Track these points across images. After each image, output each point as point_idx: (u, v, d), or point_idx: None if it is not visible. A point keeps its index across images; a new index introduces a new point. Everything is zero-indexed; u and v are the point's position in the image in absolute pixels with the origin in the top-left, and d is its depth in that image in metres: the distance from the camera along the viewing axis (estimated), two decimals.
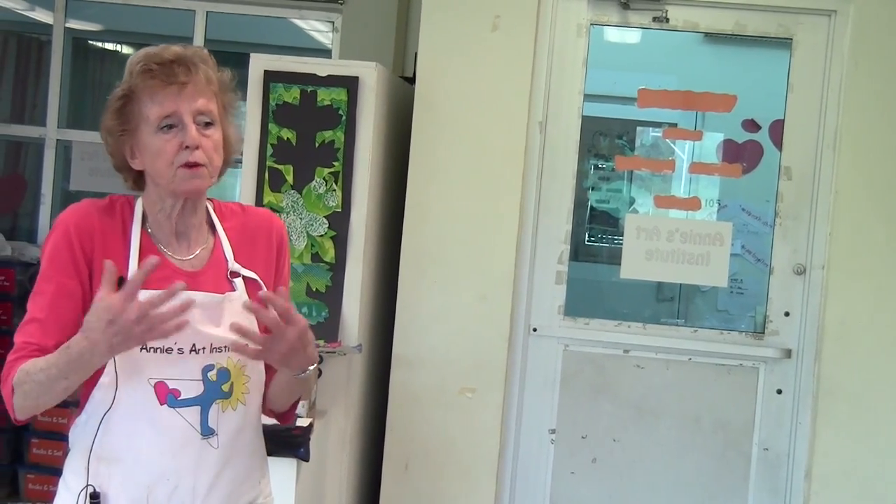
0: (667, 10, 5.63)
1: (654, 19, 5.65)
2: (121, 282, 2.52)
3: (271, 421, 2.86)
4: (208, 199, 2.74)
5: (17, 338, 2.53)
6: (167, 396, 2.54)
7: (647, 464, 5.70)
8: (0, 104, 8.34)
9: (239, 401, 2.63)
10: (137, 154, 2.58)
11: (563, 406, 5.72)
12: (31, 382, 2.43)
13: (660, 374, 5.68)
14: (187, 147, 2.53)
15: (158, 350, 2.51)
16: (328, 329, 5.20)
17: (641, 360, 5.69)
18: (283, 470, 4.21)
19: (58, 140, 7.33)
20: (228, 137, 2.64)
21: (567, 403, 5.71)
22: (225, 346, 2.59)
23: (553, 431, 5.72)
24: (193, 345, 2.54)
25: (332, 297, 5.23)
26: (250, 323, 2.62)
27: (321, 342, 5.13)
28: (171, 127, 2.53)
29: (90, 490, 2.56)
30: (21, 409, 2.48)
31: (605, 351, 5.70)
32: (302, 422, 4.35)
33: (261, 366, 2.69)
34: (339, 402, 5.20)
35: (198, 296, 2.56)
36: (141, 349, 2.50)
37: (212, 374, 2.58)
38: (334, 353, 5.10)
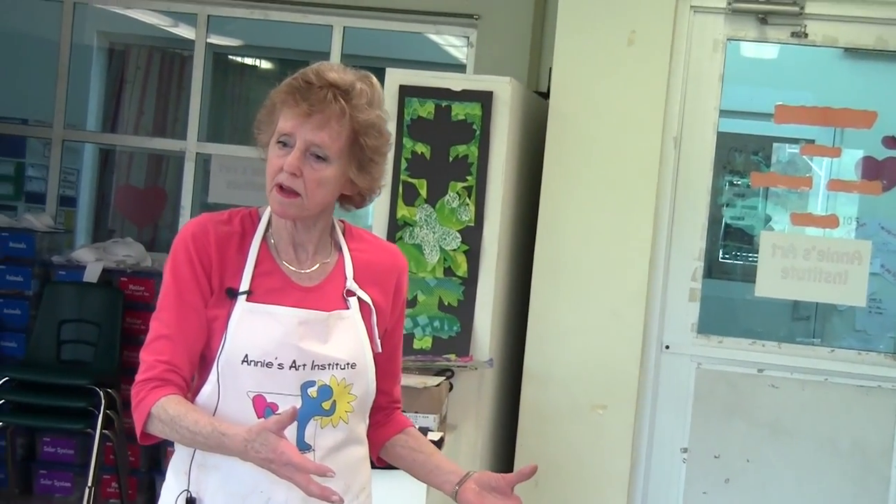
0: (806, 25, 5.55)
1: (793, 34, 5.57)
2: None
3: None
4: (340, 220, 2.75)
5: (146, 356, 2.56)
6: (265, 410, 2.54)
7: (781, 485, 5.61)
8: (143, 118, 8.53)
9: (341, 419, 2.62)
10: None
11: (695, 424, 5.65)
12: (172, 431, 2.50)
13: (795, 394, 5.59)
14: (283, 170, 2.53)
15: (259, 364, 2.53)
16: (460, 343, 5.21)
17: (776, 380, 5.60)
18: (413, 483, 4.23)
19: (197, 153, 7.47)
20: (355, 182, 2.61)
21: (699, 422, 5.65)
22: (329, 364, 2.59)
23: (685, 450, 5.66)
24: (294, 361, 2.54)
25: (464, 311, 5.25)
26: (358, 344, 2.64)
27: (452, 356, 5.15)
28: (285, 144, 2.54)
29: (187, 496, 2.60)
30: (150, 435, 2.56)
31: (738, 370, 5.63)
32: (433, 436, 4.36)
33: (370, 386, 2.68)
34: (469, 416, 5.21)
35: (302, 313, 2.58)
36: (242, 362, 2.53)
37: (312, 391, 2.57)
38: (466, 367, 5.11)
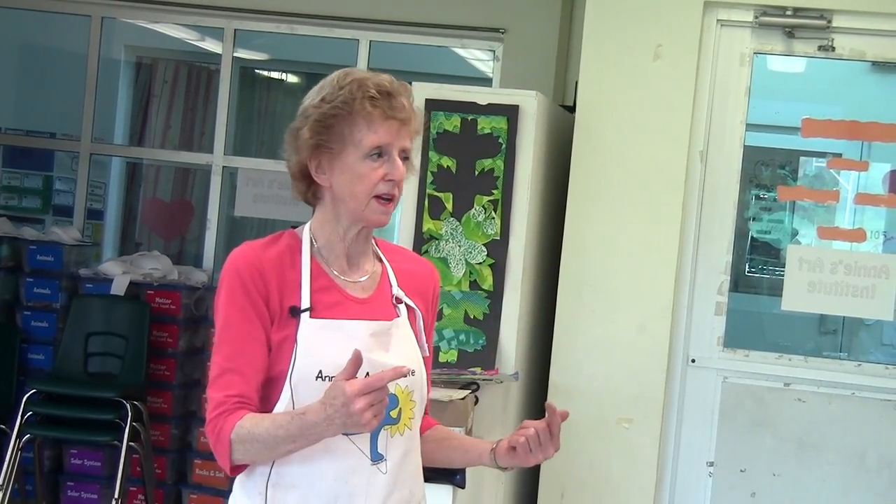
0: (833, 39, 5.54)
1: (820, 48, 5.56)
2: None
3: None
4: None
5: (215, 393, 2.54)
6: None
7: (808, 500, 5.58)
8: (170, 132, 8.57)
9: (406, 426, 2.65)
10: (327, 171, 2.60)
11: (721, 438, 5.64)
12: (254, 442, 2.47)
13: (822, 408, 5.57)
14: (391, 180, 2.58)
15: (333, 379, 2.53)
16: (485, 357, 5.22)
17: (803, 394, 5.58)
18: (439, 496, 4.23)
19: (224, 167, 7.49)
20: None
21: (726, 436, 5.63)
22: None
23: (711, 464, 5.65)
24: (367, 373, 2.51)
25: (489, 324, 5.25)
26: (413, 350, 2.68)
27: (478, 369, 5.16)
28: (379, 156, 2.57)
29: None
30: (238, 462, 2.53)
31: (765, 384, 5.61)
32: None
33: (425, 391, 2.72)
34: (495, 429, 5.20)
35: (373, 325, 2.61)
36: (316, 378, 2.53)
37: None
38: (491, 380, 5.11)
